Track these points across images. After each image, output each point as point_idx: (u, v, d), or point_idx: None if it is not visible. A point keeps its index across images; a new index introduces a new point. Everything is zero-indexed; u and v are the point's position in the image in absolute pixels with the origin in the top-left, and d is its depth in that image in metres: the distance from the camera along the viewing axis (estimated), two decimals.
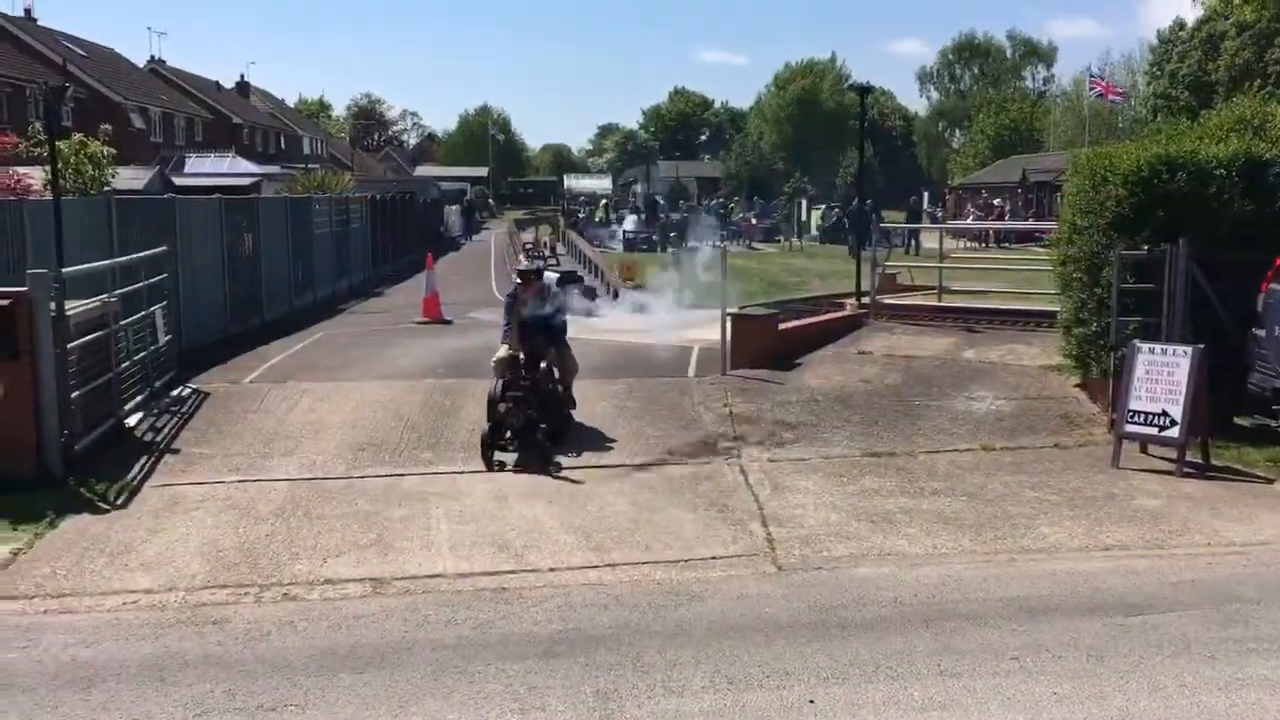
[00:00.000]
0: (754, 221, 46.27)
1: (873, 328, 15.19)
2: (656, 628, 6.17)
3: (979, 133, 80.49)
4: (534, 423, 9.77)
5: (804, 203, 51.41)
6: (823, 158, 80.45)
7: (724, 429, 10.85)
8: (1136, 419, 9.64)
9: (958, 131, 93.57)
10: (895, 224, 33.91)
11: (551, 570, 7.18)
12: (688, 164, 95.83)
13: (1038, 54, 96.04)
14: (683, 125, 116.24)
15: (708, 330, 15.38)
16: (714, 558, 7.42)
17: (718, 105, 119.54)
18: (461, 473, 9.52)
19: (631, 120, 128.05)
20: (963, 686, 5.37)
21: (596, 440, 10.57)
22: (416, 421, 11.07)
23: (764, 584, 6.92)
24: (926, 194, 53.28)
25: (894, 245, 29.68)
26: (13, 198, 11.40)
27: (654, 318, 17.94)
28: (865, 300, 16.14)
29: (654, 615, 6.36)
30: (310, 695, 5.31)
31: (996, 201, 48.77)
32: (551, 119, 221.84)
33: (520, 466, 9.59)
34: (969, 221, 40.81)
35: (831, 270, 28.83)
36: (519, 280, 11.42)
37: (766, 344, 13.66)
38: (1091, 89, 57.75)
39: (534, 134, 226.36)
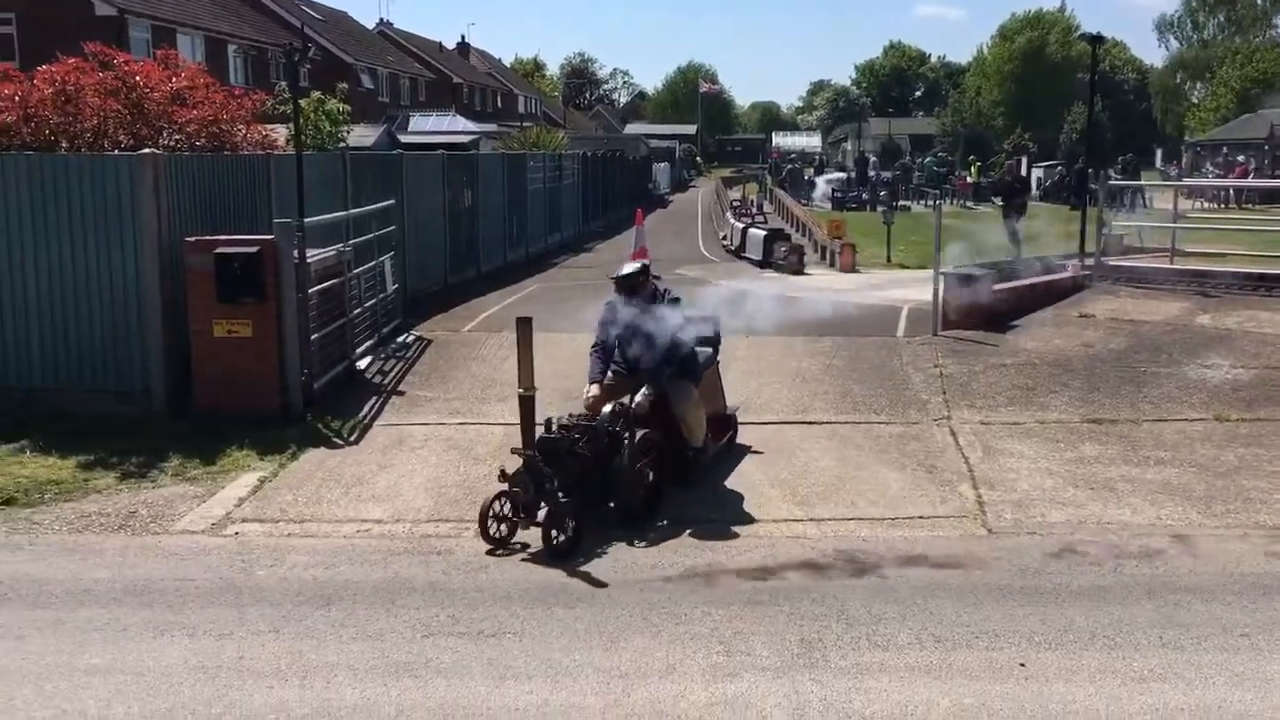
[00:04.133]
0: (968, 179, 44.69)
1: (1096, 290, 14.47)
2: (862, 584, 6.16)
3: (1221, 85, 74.80)
4: (553, 495, 6.61)
5: (1024, 160, 49.22)
6: (1046, 114, 76.62)
7: (933, 390, 10.62)
8: None
9: (1198, 85, 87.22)
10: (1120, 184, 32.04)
11: (756, 522, 7.26)
12: (900, 121, 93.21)
13: None
14: (897, 81, 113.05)
15: (917, 290, 15.06)
16: (921, 517, 7.32)
17: (934, 60, 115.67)
18: None
19: (844, 77, 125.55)
20: (1186, 660, 5.15)
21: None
22: None
23: (973, 545, 6.79)
24: (1160, 151, 50.07)
25: (1123, 206, 28.06)
26: (260, 152, 12.21)
27: (862, 276, 17.68)
28: (1089, 262, 15.38)
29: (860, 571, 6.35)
30: (526, 625, 5.58)
31: (1240, 159, 45.36)
32: (761, 76, 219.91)
33: (553, 548, 6.54)
34: (1208, 180, 38.17)
35: (1051, 231, 27.58)
36: (617, 289, 7.98)
37: (980, 305, 13.24)
38: None
39: (743, 91, 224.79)
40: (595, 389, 7.76)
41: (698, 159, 78.86)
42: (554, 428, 7.09)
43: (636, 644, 5.36)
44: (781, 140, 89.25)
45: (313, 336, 9.85)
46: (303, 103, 16.96)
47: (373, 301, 12.15)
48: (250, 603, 5.86)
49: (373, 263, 12.32)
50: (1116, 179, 30.36)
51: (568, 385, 10.84)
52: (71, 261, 9.35)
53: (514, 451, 6.83)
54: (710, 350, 8.63)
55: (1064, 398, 10.30)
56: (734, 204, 34.19)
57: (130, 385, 9.50)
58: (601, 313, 8.10)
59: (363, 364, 11.50)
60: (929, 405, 10.12)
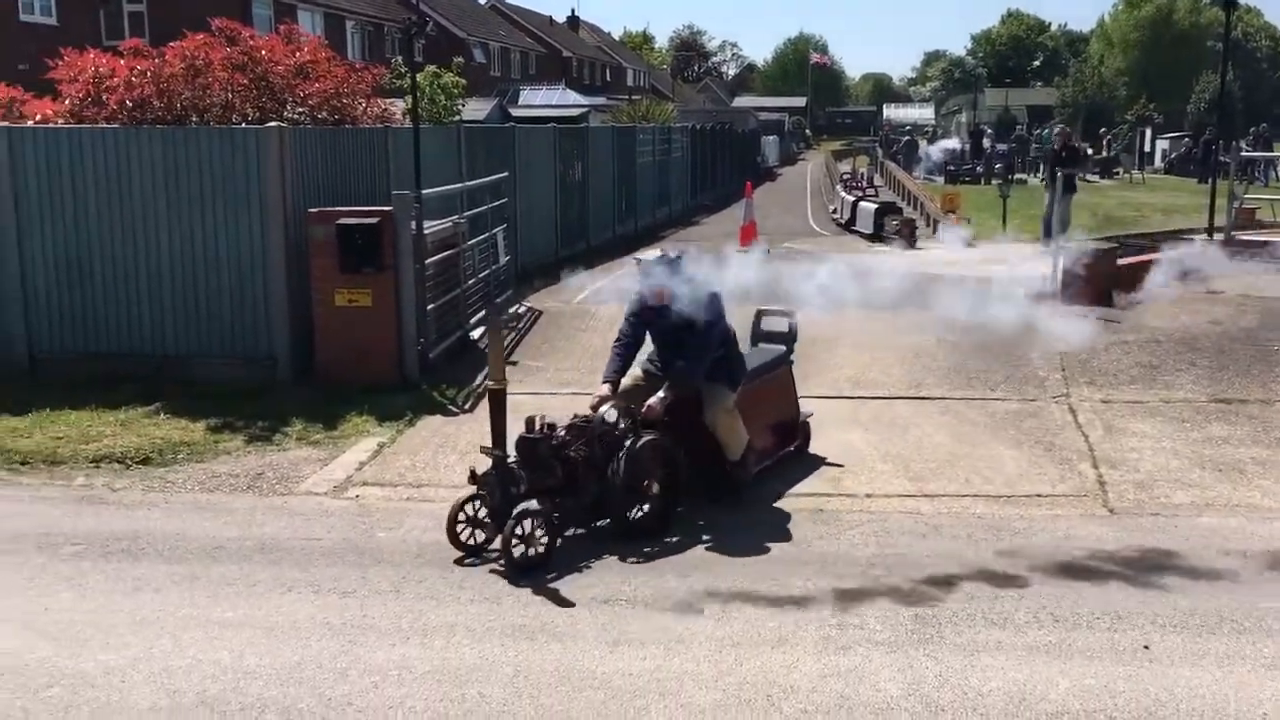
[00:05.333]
0: (1089, 152, 43.27)
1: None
2: (977, 560, 6.07)
3: None
4: (518, 502, 6.01)
5: (1148, 132, 47.46)
6: (1172, 83, 73.69)
7: (1052, 366, 10.36)
8: None
9: None
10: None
11: (868, 496, 7.20)
12: (1018, 91, 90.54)
13: None
14: (1015, 50, 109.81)
15: (1034, 265, 14.68)
16: (1039, 495, 7.18)
17: (1054, 28, 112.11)
18: None
19: (959, 46, 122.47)
20: None
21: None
22: None
23: (1094, 525, 6.63)
24: None
25: (1255, 178, 26.87)
26: (380, 125, 12.48)
27: (976, 251, 17.31)
28: (1218, 236, 14.80)
29: (974, 548, 6.26)
30: (639, 592, 5.63)
31: None
32: (873, 47, 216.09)
33: (514, 561, 5.84)
34: None
35: (1175, 205, 26.62)
36: (643, 279, 6.97)
37: (1101, 280, 12.85)
38: None
39: (854, 62, 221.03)
40: (605, 389, 6.76)
41: (807, 132, 77.94)
42: (537, 426, 6.24)
43: (747, 613, 5.38)
44: (893, 112, 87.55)
45: (429, 306, 10.05)
46: (420, 77, 17.27)
47: (485, 273, 12.33)
48: (371, 563, 6.04)
49: (486, 235, 12.51)
50: (1247, 150, 29.09)
51: None
52: (201, 232, 9.69)
53: (483, 450, 6.11)
54: (782, 349, 8.01)
55: (1190, 376, 9.96)
56: (844, 177, 33.75)
57: (255, 352, 9.83)
58: (631, 303, 7.13)
59: (475, 334, 11.70)
60: (1047, 382, 9.89)
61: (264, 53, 12.14)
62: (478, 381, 10.03)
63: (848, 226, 24.58)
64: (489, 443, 6.07)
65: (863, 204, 24.20)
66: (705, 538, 6.40)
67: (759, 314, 8.32)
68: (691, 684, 4.71)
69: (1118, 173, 41.50)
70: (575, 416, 6.49)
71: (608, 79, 72.53)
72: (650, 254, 7.17)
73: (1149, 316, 12.05)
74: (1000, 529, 6.56)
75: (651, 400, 6.62)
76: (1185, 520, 6.68)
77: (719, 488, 6.99)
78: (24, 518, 6.80)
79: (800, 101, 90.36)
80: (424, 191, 10.34)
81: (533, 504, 6.04)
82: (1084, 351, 10.78)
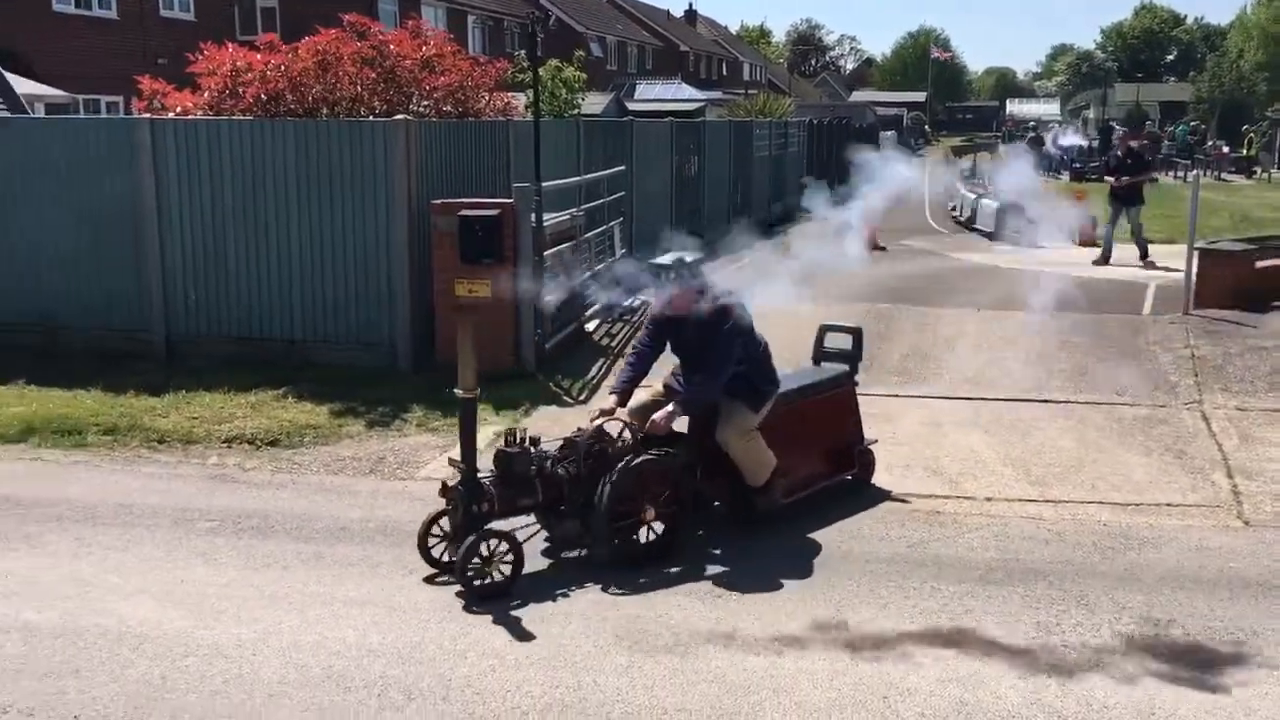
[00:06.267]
0: (1225, 150, 41.58)
1: None
2: (1102, 569, 5.90)
3: None
4: (482, 520, 5.56)
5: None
6: None
7: (1183, 371, 10.00)
8: None
9: None
10: None
11: (988, 500, 7.04)
12: (1150, 86, 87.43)
13: None
14: (1147, 44, 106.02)
15: (1164, 266, 14.20)
16: (1168, 505, 6.92)
17: (1189, 21, 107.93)
18: (895, 396, 9.50)
19: (1088, 40, 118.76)
20: None
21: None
22: None
23: (1227, 537, 6.38)
24: None
25: None
26: (501, 118, 12.67)
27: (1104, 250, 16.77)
28: None
29: (1099, 556, 6.08)
30: (749, 585, 5.63)
31: None
32: (996, 41, 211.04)
33: (468, 584, 5.43)
34: None
35: None
36: (658, 285, 6.48)
37: (1238, 283, 12.36)
38: None
39: (976, 57, 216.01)
40: (611, 401, 6.25)
41: (926, 127, 76.45)
42: (517, 439, 5.81)
43: (864, 614, 5.32)
44: (1016, 108, 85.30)
45: (546, 298, 10.15)
46: (541, 71, 17.48)
47: (601, 266, 12.43)
48: None
49: (603, 228, 12.59)
50: None
51: (798, 355, 10.83)
52: (330, 221, 9.97)
53: (450, 463, 5.75)
54: (844, 368, 7.35)
55: None
56: (963, 173, 33.01)
57: (378, 340, 10.07)
58: (651, 310, 6.61)
59: (591, 326, 11.80)
60: (1178, 388, 9.54)
61: (392, 47, 12.41)
62: (592, 373, 10.12)
63: (968, 225, 24.06)
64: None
65: (984, 201, 23.65)
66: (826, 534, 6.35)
67: (823, 329, 7.64)
68: (807, 682, 4.68)
69: (1256, 172, 39.79)
70: (577, 430, 6.09)
71: (724, 73, 72.35)
72: (668, 257, 6.49)
73: None
74: (1127, 537, 6.36)
75: (657, 415, 6.12)
76: None
77: (744, 515, 6.43)
78: (161, 494, 7.10)
79: (920, 96, 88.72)
80: (543, 184, 10.45)
81: (499, 524, 5.60)
82: (1218, 357, 10.39)
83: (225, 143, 10.04)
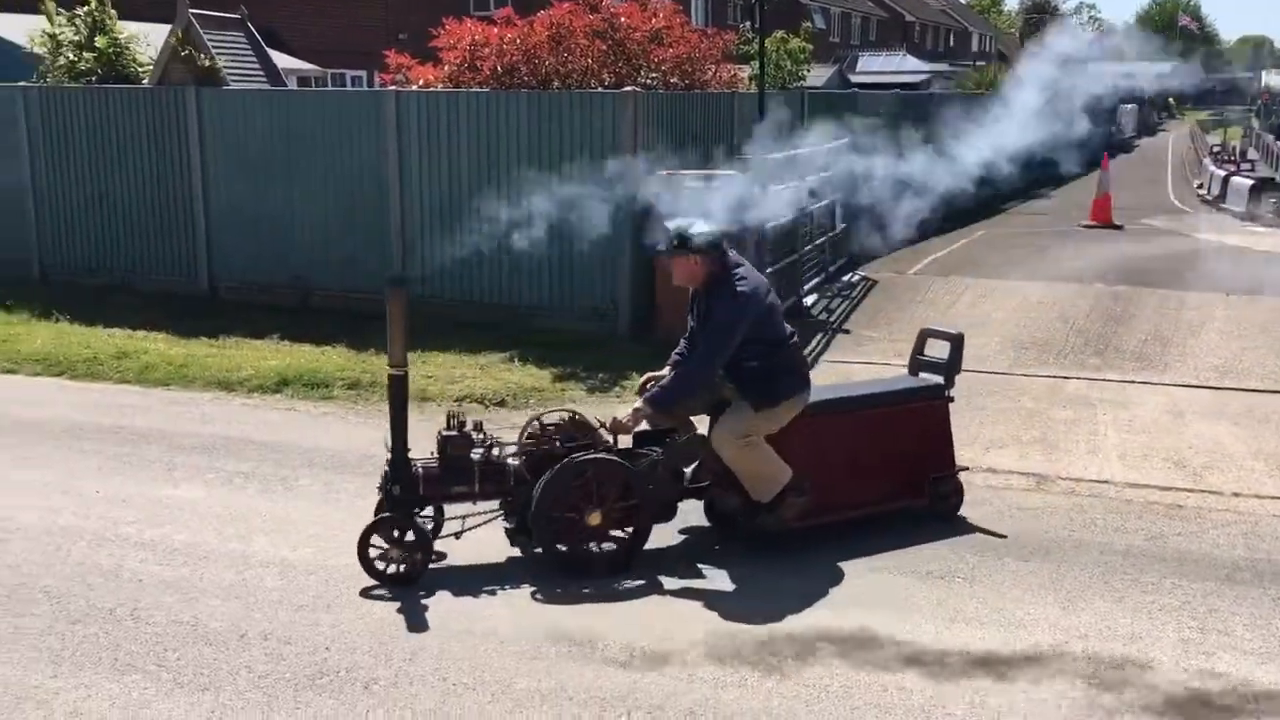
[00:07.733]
0: None
1: None
2: None
3: None
4: (405, 505, 5.25)
5: None
6: None
7: None
8: None
9: None
10: None
11: (1235, 495, 6.61)
12: None
13: None
14: None
15: None
16: None
17: None
18: (1132, 382, 9.04)
19: None
20: None
21: None
22: (1083, 326, 10.68)
23: None
24: None
25: None
26: (726, 90, 12.69)
27: None
28: None
29: None
30: (977, 571, 5.48)
31: None
32: (1252, 6, 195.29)
33: (369, 569, 5.24)
34: None
35: None
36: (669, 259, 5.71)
37: None
38: None
39: (1228, 24, 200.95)
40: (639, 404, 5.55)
41: (1170, 100, 71.72)
42: (455, 424, 5.38)
43: (1098, 607, 5.09)
44: (1274, 79, 78.85)
45: (766, 270, 10.12)
46: (767, 42, 17.38)
47: (821, 240, 12.30)
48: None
49: (824, 201, 12.44)
50: None
51: (1021, 336, 10.45)
52: (559, 189, 10.23)
53: (385, 445, 5.35)
54: (937, 380, 6.20)
55: None
56: (1213, 149, 30.90)
57: (600, 308, 10.30)
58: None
59: (809, 300, 11.71)
60: None
61: (623, 19, 12.62)
62: (810, 347, 10.05)
63: (1216, 203, 22.54)
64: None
65: (1235, 179, 22.10)
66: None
67: (923, 334, 6.53)
68: (1034, 669, 4.53)
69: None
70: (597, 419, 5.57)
71: (950, 44, 69.97)
72: (677, 224, 5.54)
73: None
74: None
75: (619, 413, 5.55)
76: None
77: (749, 530, 5.65)
78: None
79: (1165, 68, 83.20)
80: (767, 156, 10.39)
81: (416, 512, 5.27)
82: None
83: (463, 114, 10.45)
